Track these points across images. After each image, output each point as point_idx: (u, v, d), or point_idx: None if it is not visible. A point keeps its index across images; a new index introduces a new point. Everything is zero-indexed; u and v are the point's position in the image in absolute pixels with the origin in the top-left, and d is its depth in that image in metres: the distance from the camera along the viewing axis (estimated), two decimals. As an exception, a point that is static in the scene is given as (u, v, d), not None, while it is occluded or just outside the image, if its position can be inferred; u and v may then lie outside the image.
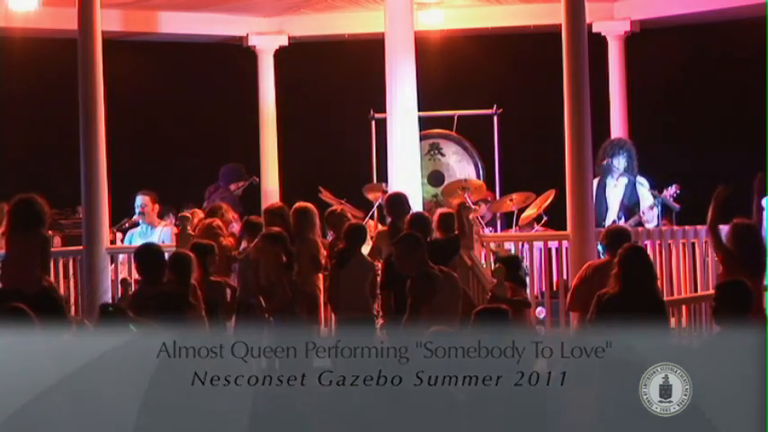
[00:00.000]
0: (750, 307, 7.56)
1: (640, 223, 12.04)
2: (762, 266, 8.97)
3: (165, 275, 8.85)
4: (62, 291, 11.28)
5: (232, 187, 13.20)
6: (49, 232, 12.88)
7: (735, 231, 9.01)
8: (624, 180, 12.34)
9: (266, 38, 15.49)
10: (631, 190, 12.32)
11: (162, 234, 12.26)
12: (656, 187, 12.22)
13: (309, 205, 10.50)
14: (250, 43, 15.49)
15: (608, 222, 12.02)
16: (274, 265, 9.63)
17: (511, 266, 9.94)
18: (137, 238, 12.38)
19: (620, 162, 12.32)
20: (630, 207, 12.30)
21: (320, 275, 10.11)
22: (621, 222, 11.93)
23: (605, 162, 12.31)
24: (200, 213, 11.74)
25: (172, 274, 8.85)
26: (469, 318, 7.45)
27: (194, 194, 13.53)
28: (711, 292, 8.48)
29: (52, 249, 12.14)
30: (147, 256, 9.01)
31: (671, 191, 11.98)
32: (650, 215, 12.11)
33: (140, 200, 12.51)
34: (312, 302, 9.95)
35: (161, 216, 12.87)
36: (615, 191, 12.37)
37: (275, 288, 9.62)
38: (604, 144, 12.55)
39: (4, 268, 9.20)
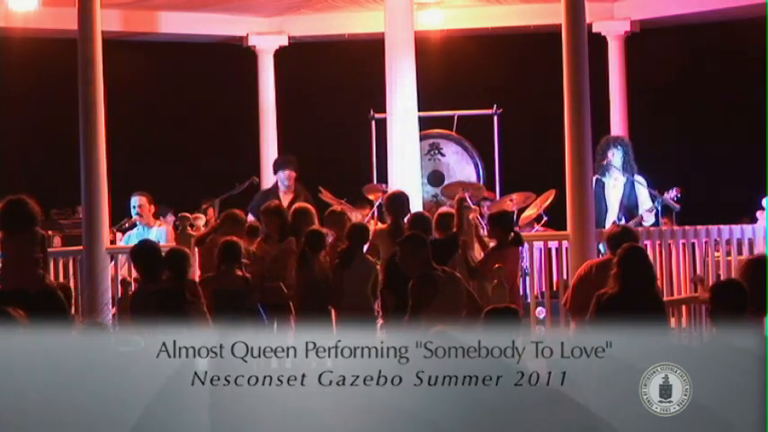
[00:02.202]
0: (746, 307, 7.53)
1: (640, 224, 12.04)
2: None
3: (164, 273, 8.87)
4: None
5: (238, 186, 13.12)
6: (49, 232, 12.96)
7: (748, 268, 8.89)
8: (623, 180, 12.33)
9: (266, 38, 15.50)
10: (630, 189, 12.30)
11: (158, 234, 12.27)
12: (656, 186, 12.21)
13: (308, 205, 10.52)
14: (250, 43, 15.50)
15: (608, 222, 12.02)
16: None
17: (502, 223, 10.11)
18: (134, 239, 12.38)
19: (615, 156, 12.30)
20: (630, 207, 12.29)
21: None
22: (622, 223, 11.92)
23: (605, 162, 12.30)
24: (203, 217, 11.79)
25: (169, 271, 8.86)
26: (476, 318, 7.45)
27: (194, 194, 13.53)
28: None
29: (52, 249, 12.22)
30: (143, 253, 9.02)
31: (671, 194, 11.97)
32: (648, 217, 12.10)
33: (136, 200, 12.52)
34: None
35: (158, 216, 12.88)
36: (614, 191, 12.36)
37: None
38: (600, 141, 12.53)
39: (4, 271, 9.18)
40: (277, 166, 13.05)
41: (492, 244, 10.38)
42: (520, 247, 10.37)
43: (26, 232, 9.04)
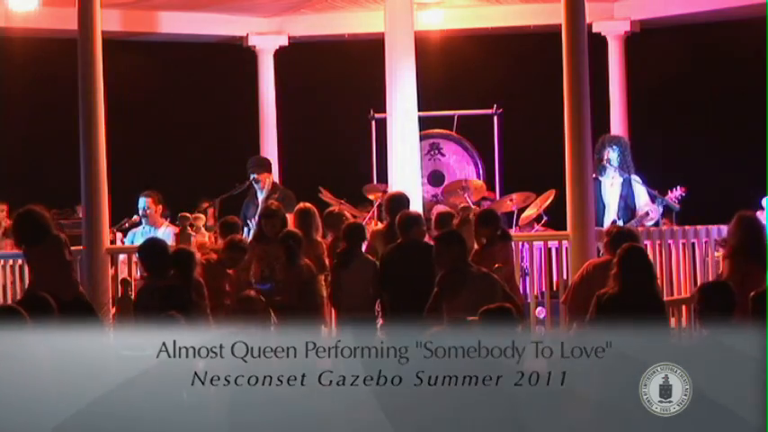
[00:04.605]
0: (734, 308, 7.52)
1: (641, 223, 12.03)
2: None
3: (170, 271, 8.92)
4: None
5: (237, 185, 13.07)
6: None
7: (740, 222, 8.99)
8: (620, 179, 12.33)
9: (266, 38, 15.51)
10: (628, 189, 12.30)
11: (164, 234, 12.24)
12: (656, 187, 12.21)
13: (311, 206, 10.51)
14: (250, 43, 15.51)
15: (607, 222, 12.02)
16: (283, 263, 9.70)
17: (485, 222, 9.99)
18: (138, 237, 12.37)
19: (611, 155, 12.30)
20: (629, 206, 12.29)
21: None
22: (621, 223, 11.92)
23: (605, 162, 12.30)
24: (203, 218, 11.77)
25: (175, 271, 8.90)
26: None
27: (193, 194, 13.52)
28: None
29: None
30: (151, 251, 9.08)
31: (676, 193, 11.96)
32: (650, 209, 12.08)
33: (142, 202, 12.49)
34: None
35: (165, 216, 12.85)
36: (612, 190, 12.36)
37: (281, 286, 9.69)
38: (597, 141, 12.52)
39: (38, 281, 9.15)
40: (247, 171, 13.00)
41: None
42: (511, 243, 10.30)
43: (44, 242, 9.08)
